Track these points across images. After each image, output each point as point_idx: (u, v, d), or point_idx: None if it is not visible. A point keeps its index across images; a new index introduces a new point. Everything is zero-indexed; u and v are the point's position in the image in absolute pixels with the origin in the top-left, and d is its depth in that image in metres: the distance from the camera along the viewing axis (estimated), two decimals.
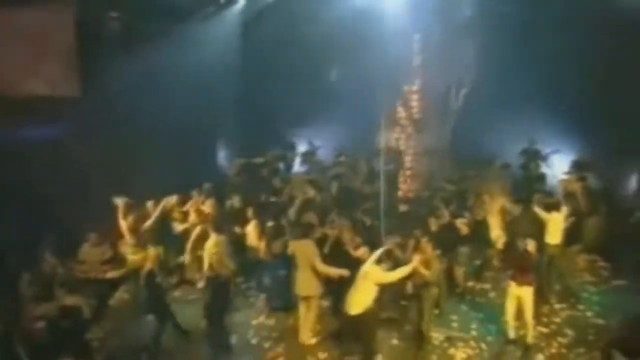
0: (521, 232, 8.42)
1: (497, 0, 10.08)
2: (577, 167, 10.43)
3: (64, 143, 9.29)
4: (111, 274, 7.54)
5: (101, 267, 7.60)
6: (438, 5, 10.94)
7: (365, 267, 6.33)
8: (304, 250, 7.00)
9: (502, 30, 9.54)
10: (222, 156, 13.10)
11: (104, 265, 7.62)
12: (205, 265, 6.92)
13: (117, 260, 7.71)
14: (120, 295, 7.96)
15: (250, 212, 8.56)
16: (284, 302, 7.63)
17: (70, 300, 6.54)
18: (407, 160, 11.36)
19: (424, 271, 6.65)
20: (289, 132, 13.23)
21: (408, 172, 11.31)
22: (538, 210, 8.10)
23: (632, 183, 10.45)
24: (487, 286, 8.37)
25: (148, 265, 6.54)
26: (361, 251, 6.76)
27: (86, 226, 7.90)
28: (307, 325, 7.11)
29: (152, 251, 6.63)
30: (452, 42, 11.10)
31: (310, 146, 12.81)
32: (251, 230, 8.18)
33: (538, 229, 7.99)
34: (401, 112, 11.67)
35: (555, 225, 7.96)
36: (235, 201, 9.22)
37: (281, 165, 12.35)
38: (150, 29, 10.20)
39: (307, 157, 12.71)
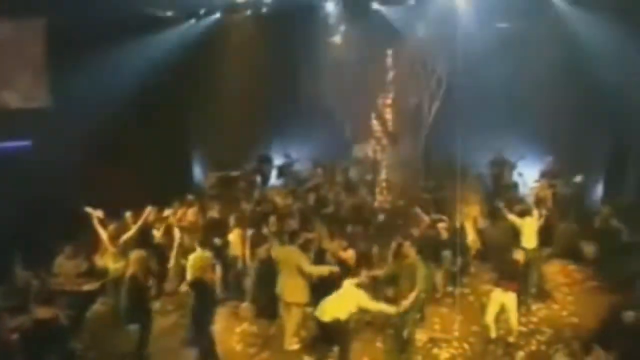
0: (496, 237, 8.71)
1: (472, 16, 10.50)
2: (547, 175, 10.83)
3: (36, 154, 9.09)
4: (87, 287, 7.32)
5: (76, 279, 7.41)
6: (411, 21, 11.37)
7: (346, 289, 6.29)
8: (288, 256, 6.99)
9: (474, 45, 9.89)
10: (197, 170, 13.00)
11: (80, 278, 7.44)
12: (189, 276, 6.82)
13: (93, 272, 7.51)
14: (97, 307, 7.70)
15: (231, 222, 8.53)
16: (267, 308, 7.55)
17: (44, 312, 6.33)
18: (383, 171, 11.60)
19: (413, 295, 6.53)
20: (265, 145, 13.26)
21: (384, 183, 11.54)
22: (511, 217, 8.32)
23: (598, 189, 10.89)
24: (466, 290, 8.50)
25: (131, 270, 6.38)
26: (349, 253, 6.79)
27: (60, 238, 7.71)
28: (290, 331, 7.05)
29: (135, 254, 6.48)
30: (425, 56, 11.50)
31: (287, 158, 12.86)
32: (234, 239, 8.13)
33: (513, 235, 8.21)
34: (376, 125, 11.98)
35: (530, 230, 8.15)
36: (214, 212, 9.16)
37: (258, 178, 12.36)
38: (124, 41, 10.16)
39: (284, 169, 12.76)
